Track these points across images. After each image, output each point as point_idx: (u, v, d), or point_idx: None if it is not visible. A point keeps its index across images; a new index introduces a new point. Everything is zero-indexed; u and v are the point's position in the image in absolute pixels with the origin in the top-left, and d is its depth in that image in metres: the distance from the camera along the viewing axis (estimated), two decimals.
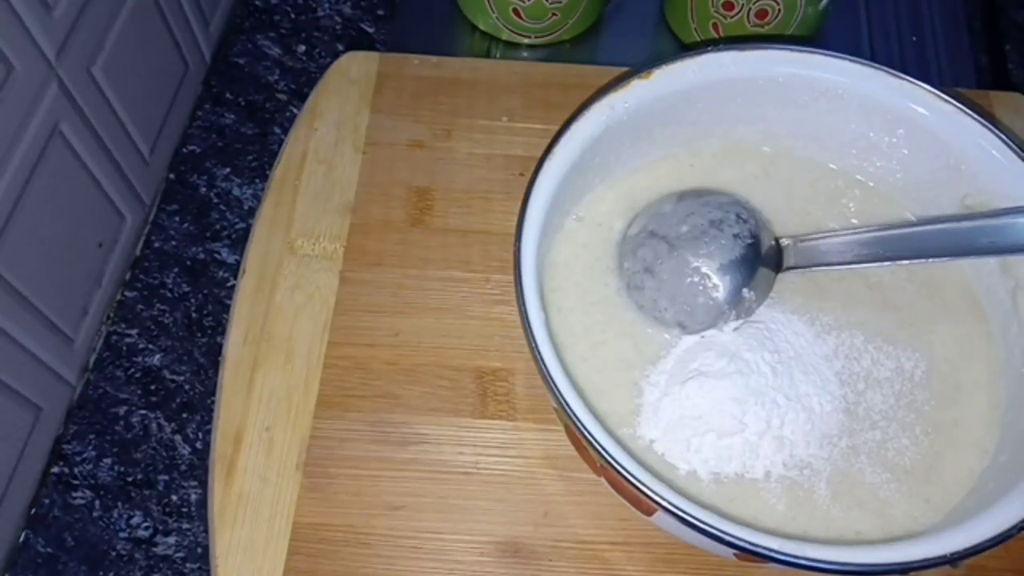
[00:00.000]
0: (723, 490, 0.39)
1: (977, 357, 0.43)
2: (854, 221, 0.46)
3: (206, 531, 0.47)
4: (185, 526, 0.51)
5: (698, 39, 0.67)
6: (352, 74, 0.56)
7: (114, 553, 0.50)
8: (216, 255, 0.60)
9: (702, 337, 0.42)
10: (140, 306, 0.58)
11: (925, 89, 0.43)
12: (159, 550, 0.50)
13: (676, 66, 0.44)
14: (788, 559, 0.33)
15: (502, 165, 0.53)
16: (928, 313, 0.44)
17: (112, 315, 0.58)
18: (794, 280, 0.44)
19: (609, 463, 0.34)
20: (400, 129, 0.54)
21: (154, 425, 0.54)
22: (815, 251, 0.43)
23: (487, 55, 0.69)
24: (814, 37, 0.66)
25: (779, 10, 0.62)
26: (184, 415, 0.54)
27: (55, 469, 0.52)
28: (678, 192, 0.46)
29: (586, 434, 0.35)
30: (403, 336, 0.47)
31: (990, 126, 0.42)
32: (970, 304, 0.45)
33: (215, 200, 0.62)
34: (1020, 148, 0.42)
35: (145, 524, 0.51)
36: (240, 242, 0.59)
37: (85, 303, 0.56)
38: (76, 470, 0.52)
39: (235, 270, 0.58)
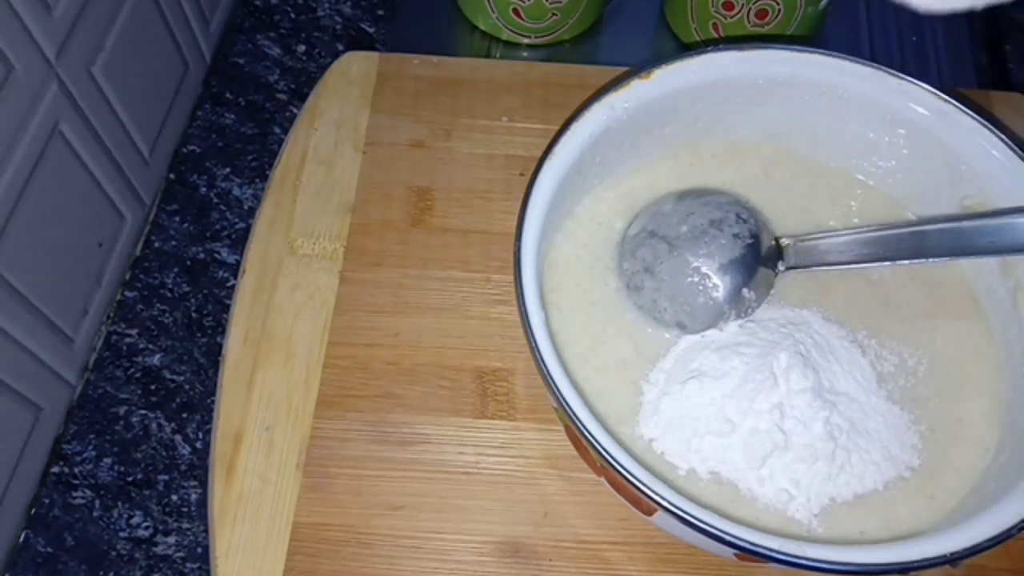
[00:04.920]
0: (723, 490, 0.39)
1: (978, 355, 0.43)
2: (855, 220, 0.46)
3: (206, 531, 0.47)
4: (185, 526, 0.51)
5: (698, 39, 0.67)
6: (352, 74, 0.56)
7: (114, 553, 0.50)
8: (216, 255, 0.60)
9: (702, 336, 0.42)
10: (140, 306, 0.58)
11: (925, 89, 0.43)
12: (159, 550, 0.50)
13: (676, 66, 0.44)
14: (789, 559, 0.33)
15: (502, 165, 0.53)
16: (929, 311, 0.44)
17: (112, 315, 0.58)
18: (794, 278, 0.44)
19: (609, 463, 0.34)
20: (400, 129, 0.54)
21: (154, 425, 0.54)
22: (815, 251, 0.43)
23: (487, 55, 0.69)
24: (814, 37, 0.66)
25: (779, 10, 0.63)
26: (184, 415, 0.54)
27: (55, 469, 0.52)
28: (678, 192, 0.45)
29: (586, 434, 0.35)
30: (403, 336, 0.47)
31: (990, 126, 0.42)
32: (970, 303, 0.45)
33: (215, 200, 0.62)
34: (1020, 148, 0.42)
35: (145, 524, 0.51)
36: (240, 242, 0.59)
37: (85, 303, 0.56)
38: (76, 470, 0.52)
39: (235, 270, 0.58)
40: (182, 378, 0.55)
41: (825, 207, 0.47)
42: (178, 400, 0.55)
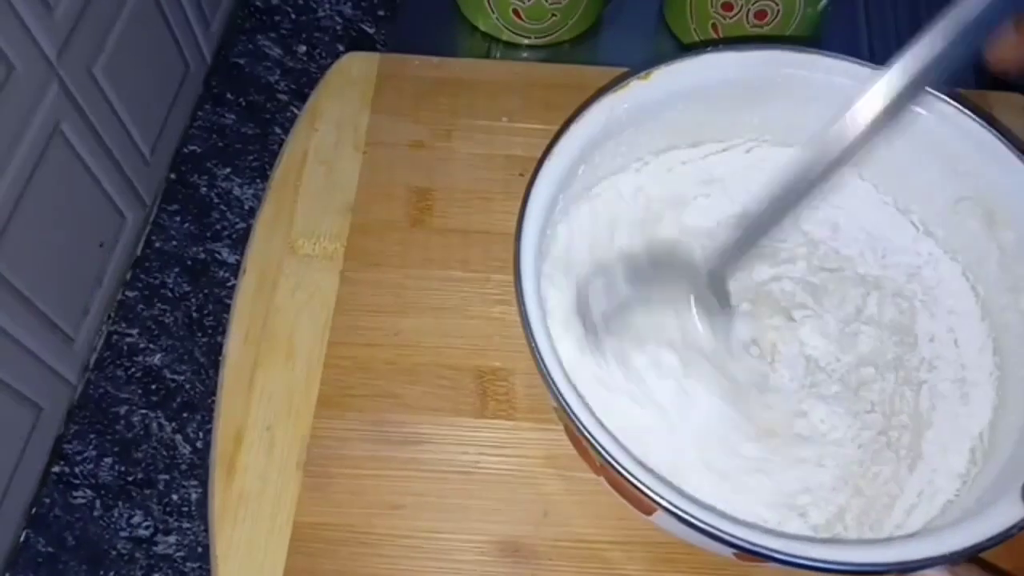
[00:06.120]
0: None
1: (978, 354, 0.43)
2: (854, 220, 0.47)
3: (206, 530, 0.47)
4: (185, 525, 0.51)
5: (697, 39, 0.68)
6: (353, 74, 0.56)
7: (114, 552, 0.50)
8: (217, 255, 0.60)
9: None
10: (141, 306, 0.58)
11: (924, 89, 0.43)
12: (159, 549, 0.50)
13: (675, 67, 0.44)
14: (789, 559, 0.33)
15: (502, 165, 0.53)
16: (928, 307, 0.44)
17: (113, 315, 0.58)
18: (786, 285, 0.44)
19: (609, 462, 0.34)
20: (400, 129, 0.54)
21: (155, 424, 0.54)
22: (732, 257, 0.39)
23: (487, 55, 0.69)
24: (813, 37, 0.66)
25: (778, 11, 0.63)
26: (184, 414, 0.54)
27: (56, 468, 0.52)
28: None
29: (586, 434, 0.35)
30: (403, 336, 0.47)
31: (989, 127, 0.42)
32: (970, 300, 0.45)
33: (216, 200, 0.62)
34: (1019, 149, 0.42)
35: (146, 523, 0.51)
36: (240, 242, 0.60)
37: (86, 303, 0.56)
38: (77, 469, 0.52)
39: (235, 270, 0.58)
40: (183, 378, 0.55)
41: (822, 205, 0.47)
42: (178, 400, 0.55)
